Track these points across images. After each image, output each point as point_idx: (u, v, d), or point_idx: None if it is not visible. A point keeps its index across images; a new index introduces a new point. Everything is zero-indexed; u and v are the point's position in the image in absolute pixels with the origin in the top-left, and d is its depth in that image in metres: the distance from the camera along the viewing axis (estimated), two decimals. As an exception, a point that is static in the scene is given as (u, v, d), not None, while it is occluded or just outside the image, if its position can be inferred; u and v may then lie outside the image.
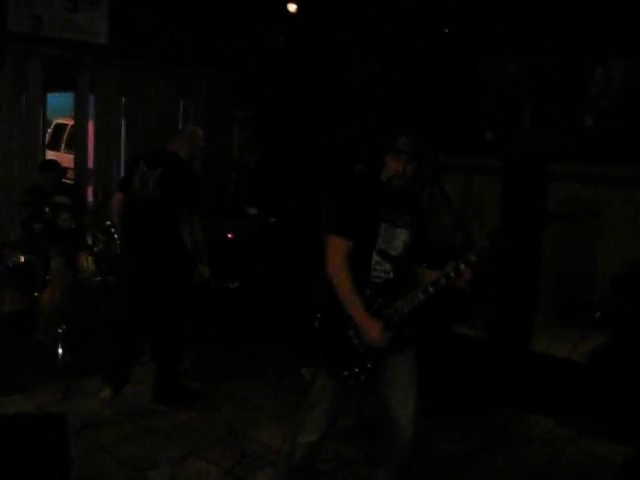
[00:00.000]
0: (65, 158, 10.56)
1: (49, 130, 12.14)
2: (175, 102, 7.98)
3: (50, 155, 9.46)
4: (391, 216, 3.32)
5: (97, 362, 5.71)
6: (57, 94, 9.77)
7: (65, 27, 6.69)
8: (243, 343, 6.57)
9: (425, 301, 3.22)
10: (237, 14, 7.75)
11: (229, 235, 7.31)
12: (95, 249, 5.99)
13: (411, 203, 3.43)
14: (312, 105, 8.12)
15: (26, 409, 4.83)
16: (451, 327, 5.98)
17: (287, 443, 3.88)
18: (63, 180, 6.61)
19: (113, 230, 5.96)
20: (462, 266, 3.16)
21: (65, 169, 7.39)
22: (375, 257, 3.28)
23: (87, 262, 6.00)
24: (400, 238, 3.33)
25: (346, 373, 3.28)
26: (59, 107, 11.04)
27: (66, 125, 12.85)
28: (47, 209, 5.89)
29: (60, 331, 5.64)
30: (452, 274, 3.17)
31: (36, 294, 5.89)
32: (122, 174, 7.47)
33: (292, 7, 7.34)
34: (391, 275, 3.30)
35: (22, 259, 6.03)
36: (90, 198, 7.41)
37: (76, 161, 7.45)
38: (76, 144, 7.61)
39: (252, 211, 7.89)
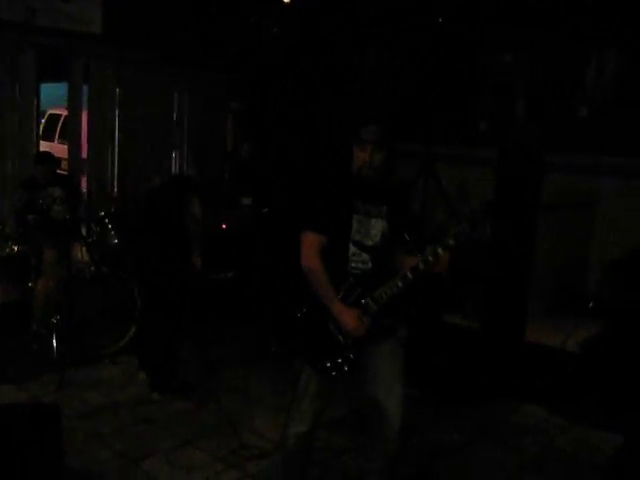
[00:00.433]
0: (59, 149, 10.53)
1: (42, 120, 12.09)
2: (169, 93, 7.96)
3: (44, 146, 9.43)
4: (364, 207, 3.34)
5: (91, 352, 5.74)
6: (50, 84, 9.73)
7: (58, 17, 6.65)
8: (238, 333, 6.58)
9: (405, 288, 3.24)
10: (232, 5, 7.72)
11: (223, 225, 7.30)
12: (89, 240, 5.98)
13: (387, 192, 3.43)
14: (307, 95, 8.10)
15: (20, 399, 4.84)
16: (444, 317, 6.00)
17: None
18: (58, 171, 6.58)
19: (107, 221, 5.96)
20: (440, 251, 3.18)
21: (59, 160, 7.37)
22: (352, 249, 3.32)
23: (81, 253, 5.99)
24: (376, 228, 3.35)
25: (329, 364, 3.30)
26: (52, 97, 10.99)
27: (60, 115, 12.82)
28: (41, 200, 5.88)
29: (54, 322, 5.64)
30: (430, 259, 3.18)
31: (30, 285, 5.88)
32: (116, 165, 7.48)
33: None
34: (369, 265, 3.33)
35: (15, 249, 6.03)
36: (84, 189, 7.40)
37: (70, 152, 7.42)
38: (70, 135, 7.59)
39: (246, 201, 7.88)
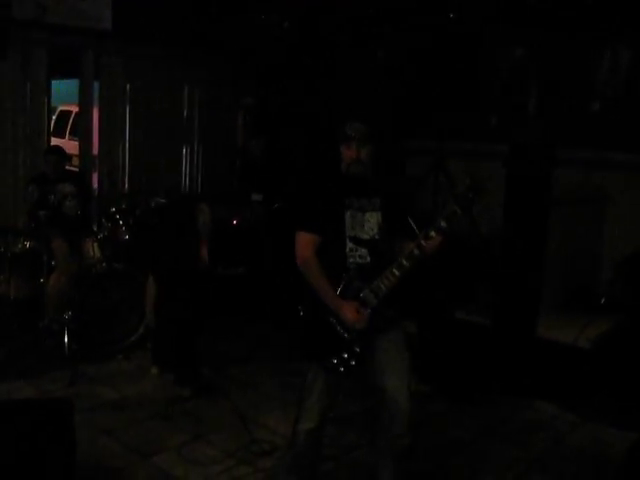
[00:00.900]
0: (69, 145, 10.56)
1: (53, 117, 12.12)
2: (180, 89, 7.96)
3: (54, 142, 9.40)
4: (357, 202, 3.37)
5: (103, 348, 5.77)
6: (61, 81, 9.75)
7: (69, 14, 6.67)
8: (249, 329, 6.59)
9: (403, 276, 3.24)
10: (242, 0, 7.71)
11: (234, 221, 7.31)
12: (100, 235, 6.00)
13: (379, 184, 3.46)
14: (316, 91, 8.08)
15: (32, 395, 4.86)
16: (456, 313, 5.98)
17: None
18: (68, 167, 6.61)
19: (118, 216, 5.99)
20: (432, 233, 3.18)
21: (70, 156, 7.39)
22: (348, 244, 3.34)
23: (92, 249, 6.01)
24: (371, 221, 3.38)
25: (335, 361, 3.30)
26: (63, 94, 11.01)
27: (70, 112, 12.85)
28: (52, 196, 5.91)
29: (66, 317, 5.66)
30: (423, 243, 3.19)
31: (42, 280, 5.91)
32: (128, 161, 7.51)
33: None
34: (368, 259, 3.35)
35: (27, 245, 6.06)
36: (95, 185, 7.42)
37: (81, 148, 7.45)
38: (81, 131, 7.61)
39: (257, 197, 7.88)
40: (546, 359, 5.35)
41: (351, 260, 3.34)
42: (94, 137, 7.46)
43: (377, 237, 3.37)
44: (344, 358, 3.30)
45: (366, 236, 3.36)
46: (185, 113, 8.01)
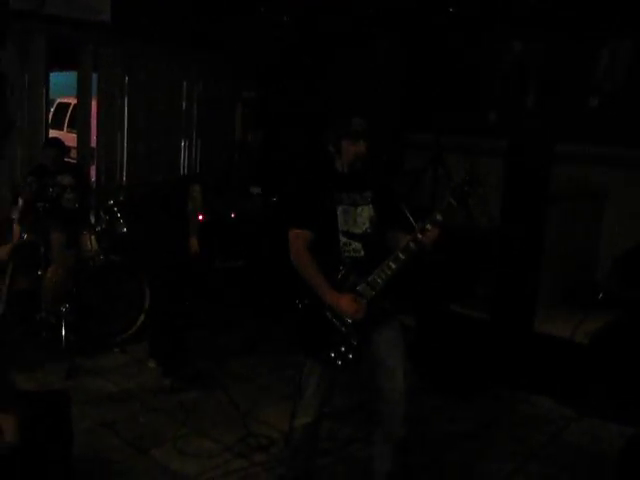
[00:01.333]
0: (68, 137, 10.51)
1: (51, 109, 12.10)
2: (178, 81, 7.94)
3: (53, 134, 9.41)
4: (348, 197, 3.38)
5: (100, 341, 5.76)
6: (59, 73, 9.72)
7: (68, 5, 6.64)
8: (248, 322, 6.59)
9: (399, 268, 3.24)
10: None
11: (232, 214, 7.30)
12: (98, 228, 5.99)
13: (369, 177, 3.47)
14: (315, 85, 8.07)
15: (30, 387, 4.86)
16: (452, 307, 5.98)
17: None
18: (67, 160, 6.59)
19: (116, 209, 5.98)
20: (429, 226, 3.19)
21: (68, 148, 7.37)
22: (342, 239, 3.35)
23: (90, 241, 6.01)
24: (364, 215, 3.39)
25: (333, 354, 3.31)
26: (61, 86, 10.99)
27: (68, 104, 12.82)
28: (51, 188, 5.89)
29: (63, 310, 5.65)
30: (420, 236, 3.20)
31: (39, 273, 5.90)
32: (126, 153, 7.49)
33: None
34: (362, 253, 3.36)
35: (25, 237, 6.04)
36: (93, 177, 7.40)
37: (79, 140, 7.43)
38: (79, 123, 7.58)
39: (255, 190, 7.88)
40: (543, 354, 5.36)
41: (345, 255, 3.35)
42: (92, 129, 7.44)
43: (369, 231, 3.39)
44: (342, 352, 3.31)
45: (359, 230, 3.37)
46: (184, 106, 7.99)
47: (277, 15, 7.77)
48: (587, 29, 6.51)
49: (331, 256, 3.34)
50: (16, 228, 5.90)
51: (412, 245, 3.21)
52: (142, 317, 5.94)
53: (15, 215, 6.02)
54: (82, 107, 7.40)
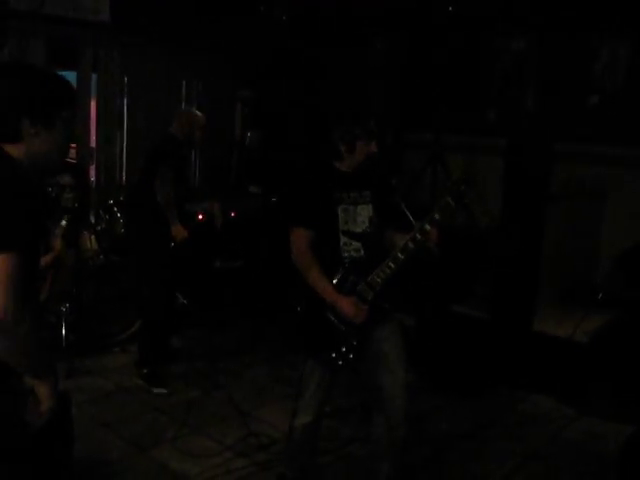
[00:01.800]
0: (67, 137, 10.52)
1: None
2: (177, 81, 7.94)
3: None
4: (349, 196, 3.38)
5: (100, 341, 5.76)
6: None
7: (67, 5, 6.63)
8: (247, 322, 6.59)
9: (398, 268, 3.24)
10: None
11: (232, 214, 7.30)
12: (98, 228, 5.99)
13: (368, 176, 3.46)
14: (314, 84, 8.07)
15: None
16: (452, 307, 5.99)
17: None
18: (66, 159, 6.57)
19: (115, 209, 5.97)
20: (427, 226, 3.19)
21: (68, 148, 7.32)
22: (342, 239, 3.35)
23: (90, 241, 6.00)
24: (363, 215, 3.39)
25: (334, 355, 3.31)
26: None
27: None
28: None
29: (63, 310, 5.65)
30: (419, 236, 3.20)
31: (39, 273, 5.89)
32: (125, 153, 7.48)
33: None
34: (362, 252, 3.36)
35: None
36: (92, 177, 7.39)
37: (78, 140, 7.41)
38: (78, 123, 7.57)
39: (255, 190, 7.87)
40: (543, 353, 5.36)
41: (345, 254, 3.35)
42: (91, 129, 7.44)
43: (369, 230, 3.39)
44: (342, 352, 3.31)
45: (358, 229, 3.37)
46: (183, 105, 7.98)
47: (277, 15, 7.76)
48: (587, 29, 6.51)
49: (331, 256, 3.34)
50: None
51: (411, 245, 3.21)
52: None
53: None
54: (81, 107, 7.39)
